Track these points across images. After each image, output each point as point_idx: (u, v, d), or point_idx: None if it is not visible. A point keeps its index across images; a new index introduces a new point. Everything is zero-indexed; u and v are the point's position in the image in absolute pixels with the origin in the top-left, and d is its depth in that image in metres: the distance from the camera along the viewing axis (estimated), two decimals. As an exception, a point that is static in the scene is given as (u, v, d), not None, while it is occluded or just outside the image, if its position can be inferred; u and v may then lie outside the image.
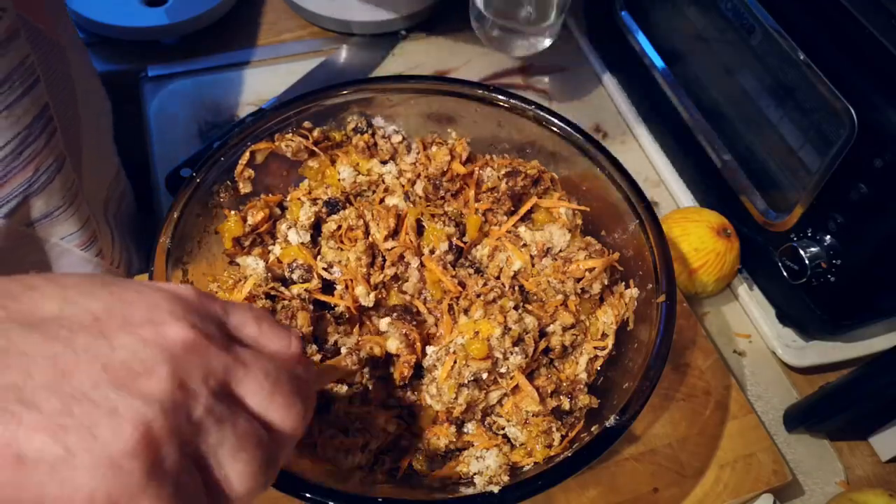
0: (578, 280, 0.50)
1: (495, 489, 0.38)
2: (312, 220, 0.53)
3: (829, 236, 0.53)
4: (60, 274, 0.32)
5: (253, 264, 0.50)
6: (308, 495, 0.37)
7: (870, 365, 0.52)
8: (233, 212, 0.51)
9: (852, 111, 0.48)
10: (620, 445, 0.53)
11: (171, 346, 0.27)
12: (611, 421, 0.40)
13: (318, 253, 0.52)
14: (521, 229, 0.54)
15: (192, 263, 0.49)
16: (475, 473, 0.44)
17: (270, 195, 0.54)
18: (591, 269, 0.50)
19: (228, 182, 0.51)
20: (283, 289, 0.50)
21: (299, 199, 0.54)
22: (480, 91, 0.55)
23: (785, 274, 0.57)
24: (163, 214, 0.48)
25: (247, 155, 0.51)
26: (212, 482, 0.28)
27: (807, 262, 0.54)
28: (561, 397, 0.47)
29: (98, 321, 0.26)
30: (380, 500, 0.37)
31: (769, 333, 0.62)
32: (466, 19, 0.66)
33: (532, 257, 0.52)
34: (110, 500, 0.24)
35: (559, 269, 0.51)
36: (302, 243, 0.52)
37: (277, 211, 0.54)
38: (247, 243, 0.52)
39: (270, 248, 0.53)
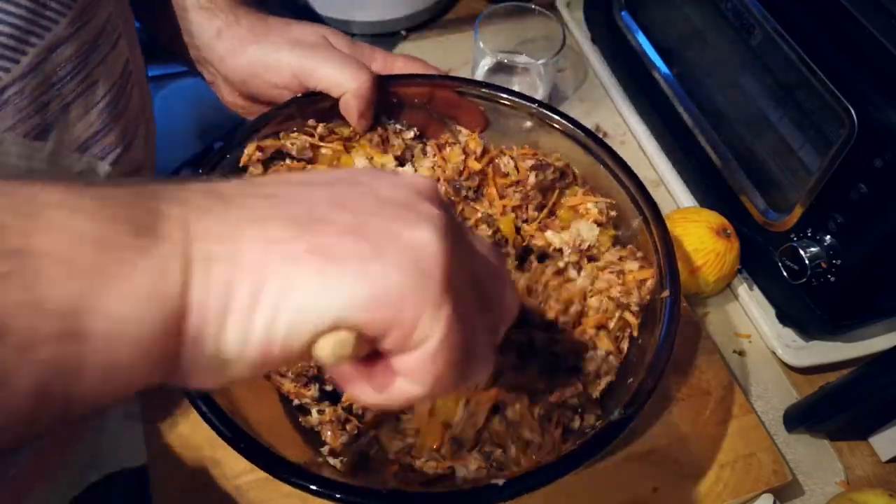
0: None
1: (500, 482, 0.38)
2: None
3: (829, 236, 0.53)
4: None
5: None
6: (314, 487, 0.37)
7: (870, 365, 0.52)
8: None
9: (852, 111, 0.48)
10: (620, 445, 0.53)
11: (426, 187, 0.28)
12: (615, 415, 0.40)
13: None
14: (549, 233, 0.53)
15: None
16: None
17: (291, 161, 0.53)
18: (644, 280, 0.48)
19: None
20: None
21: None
22: (483, 89, 0.55)
23: (785, 274, 0.57)
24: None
25: (253, 146, 0.51)
26: (487, 302, 0.28)
27: (807, 262, 0.54)
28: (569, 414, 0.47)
29: (347, 178, 0.27)
30: (383, 491, 0.37)
31: (769, 333, 0.62)
32: (466, 19, 0.66)
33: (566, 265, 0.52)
34: (417, 301, 0.24)
35: (614, 281, 0.49)
36: None
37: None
38: None
39: None
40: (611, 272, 0.49)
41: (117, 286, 0.21)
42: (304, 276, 0.23)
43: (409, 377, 0.26)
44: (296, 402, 0.47)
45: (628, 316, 0.48)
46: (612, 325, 0.48)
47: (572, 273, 0.50)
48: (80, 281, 0.21)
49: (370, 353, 0.26)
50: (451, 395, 0.44)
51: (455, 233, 0.27)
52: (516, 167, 0.54)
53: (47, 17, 0.40)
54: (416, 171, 0.55)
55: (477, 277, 0.28)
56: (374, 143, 0.54)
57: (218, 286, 0.23)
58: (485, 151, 0.55)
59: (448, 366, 0.25)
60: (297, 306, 0.23)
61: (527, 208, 0.54)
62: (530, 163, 0.53)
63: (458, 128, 0.56)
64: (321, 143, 0.53)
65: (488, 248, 0.30)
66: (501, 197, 0.54)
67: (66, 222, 0.21)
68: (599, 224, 0.53)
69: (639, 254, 0.50)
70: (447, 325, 0.24)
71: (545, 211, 0.54)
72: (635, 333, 0.48)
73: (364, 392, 0.27)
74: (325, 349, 0.23)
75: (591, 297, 0.49)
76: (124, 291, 0.21)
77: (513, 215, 0.53)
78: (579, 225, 0.53)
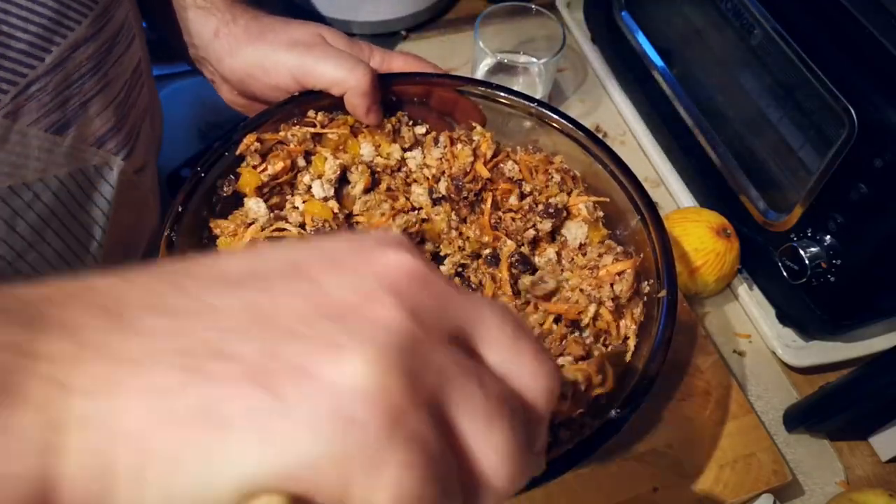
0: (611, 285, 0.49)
1: None
2: (338, 174, 0.52)
3: (829, 236, 0.53)
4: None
5: (255, 207, 0.49)
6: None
7: (870, 365, 0.52)
8: (245, 167, 0.51)
9: (852, 111, 0.48)
10: (620, 445, 0.53)
11: (392, 275, 0.21)
12: (612, 413, 0.40)
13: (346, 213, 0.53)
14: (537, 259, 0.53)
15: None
16: None
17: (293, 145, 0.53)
18: (620, 273, 0.48)
19: (231, 176, 0.51)
20: (287, 225, 0.49)
21: (323, 153, 0.53)
22: (482, 88, 0.55)
23: (785, 274, 0.57)
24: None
25: (253, 136, 0.51)
26: (463, 459, 0.20)
27: (807, 262, 0.54)
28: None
29: (298, 267, 0.21)
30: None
31: (769, 333, 0.62)
32: (466, 19, 0.66)
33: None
34: (340, 466, 0.18)
35: (588, 276, 0.49)
36: (325, 198, 0.52)
37: (302, 163, 0.53)
38: (265, 191, 0.51)
39: (289, 198, 0.52)
40: (587, 268, 0.50)
41: None
42: (190, 446, 0.18)
43: None
44: None
45: (604, 311, 0.48)
46: (585, 319, 0.48)
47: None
48: None
49: None
50: None
51: (424, 329, 0.20)
52: (520, 171, 0.54)
53: (71, 17, 0.41)
54: (424, 158, 0.55)
55: (478, 369, 0.21)
56: (385, 131, 0.54)
57: (95, 459, 0.18)
58: (495, 154, 0.55)
59: None
60: (187, 481, 0.18)
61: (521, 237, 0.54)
62: (540, 207, 0.53)
63: (474, 125, 0.56)
64: (324, 131, 0.53)
65: (497, 310, 0.23)
66: (504, 210, 0.54)
67: None
68: (587, 222, 0.53)
69: (618, 248, 0.51)
70: (397, 485, 0.18)
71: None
72: (613, 332, 0.48)
73: None
74: None
75: (565, 292, 0.49)
76: None
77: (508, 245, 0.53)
78: (570, 225, 0.53)
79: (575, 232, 0.52)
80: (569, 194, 0.54)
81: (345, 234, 0.22)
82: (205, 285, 0.21)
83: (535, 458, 0.23)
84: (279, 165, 0.51)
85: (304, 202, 0.51)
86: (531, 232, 0.52)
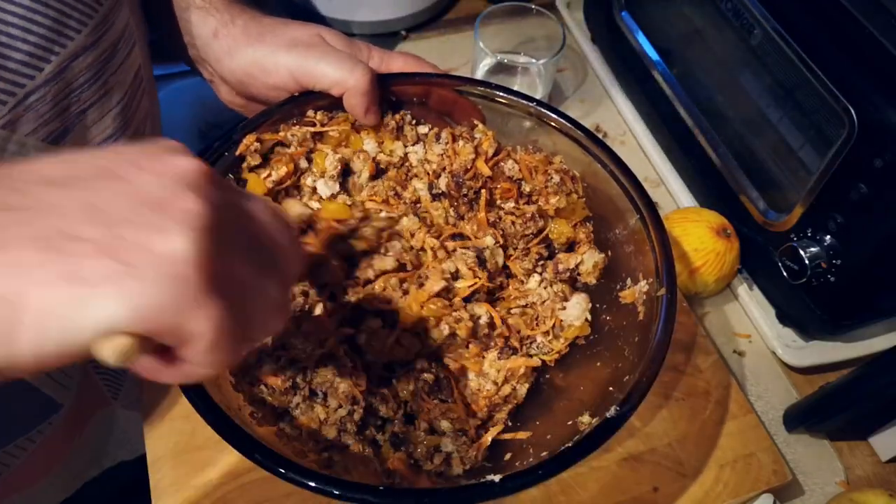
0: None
1: (496, 478, 0.38)
2: (340, 169, 0.52)
3: (829, 236, 0.53)
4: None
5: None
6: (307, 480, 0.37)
7: (870, 365, 0.52)
8: (251, 173, 0.51)
9: (852, 111, 0.48)
10: (620, 445, 0.53)
11: (186, 174, 0.28)
12: (611, 412, 0.40)
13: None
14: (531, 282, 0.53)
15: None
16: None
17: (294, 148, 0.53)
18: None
19: (231, 176, 0.51)
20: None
21: (323, 150, 0.53)
22: (482, 88, 0.55)
23: (785, 274, 0.57)
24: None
25: (252, 136, 0.50)
26: (250, 300, 0.29)
27: (807, 262, 0.54)
28: None
29: (107, 170, 0.27)
30: (380, 487, 0.37)
31: (769, 333, 0.62)
32: (466, 19, 0.66)
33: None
34: (175, 309, 0.25)
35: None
36: (333, 194, 0.52)
37: (304, 164, 0.53)
38: (271, 197, 0.51)
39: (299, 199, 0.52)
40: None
41: None
42: (58, 301, 0.24)
43: (195, 363, 0.27)
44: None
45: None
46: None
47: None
48: None
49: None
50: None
51: (218, 218, 0.27)
52: (520, 171, 0.54)
53: (70, 26, 0.41)
54: (426, 154, 0.55)
55: (255, 243, 0.30)
56: (389, 128, 0.54)
57: None
58: (496, 152, 0.55)
59: (228, 347, 0.27)
60: (57, 327, 0.24)
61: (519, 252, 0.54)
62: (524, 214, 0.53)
63: (476, 122, 0.56)
64: (324, 129, 0.53)
65: (265, 210, 0.32)
66: (499, 208, 0.54)
67: None
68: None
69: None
70: (213, 321, 0.26)
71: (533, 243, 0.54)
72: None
73: (161, 377, 0.28)
74: (106, 353, 0.25)
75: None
76: None
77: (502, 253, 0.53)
78: (571, 302, 0.52)
79: (588, 260, 0.52)
80: (569, 194, 0.54)
81: (137, 143, 0.30)
82: (33, 185, 0.26)
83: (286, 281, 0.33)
84: (283, 170, 0.51)
85: (319, 206, 0.52)
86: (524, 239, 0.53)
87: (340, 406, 0.45)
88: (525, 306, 0.51)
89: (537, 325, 0.50)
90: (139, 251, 0.25)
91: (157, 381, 0.29)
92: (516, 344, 0.49)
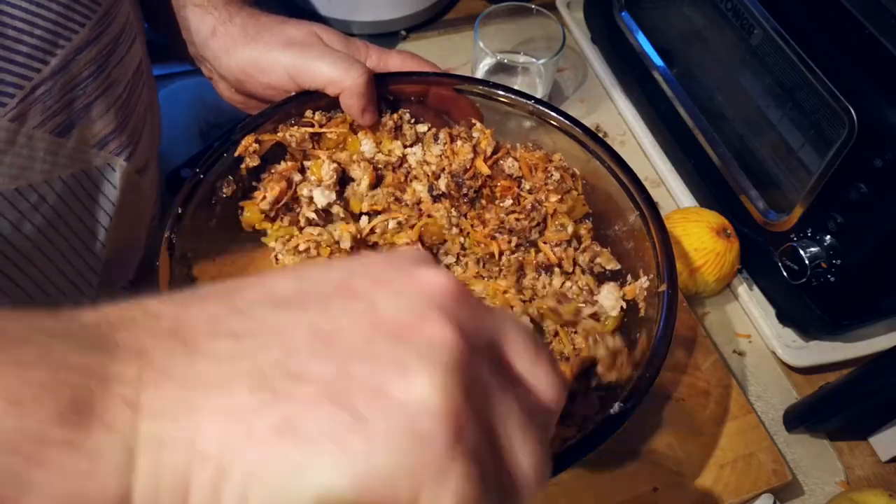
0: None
1: None
2: (336, 177, 0.52)
3: (829, 236, 0.53)
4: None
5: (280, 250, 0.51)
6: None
7: (870, 365, 0.52)
8: (247, 201, 0.51)
9: (852, 111, 0.48)
10: (620, 445, 0.53)
11: (434, 291, 0.22)
12: (614, 408, 0.40)
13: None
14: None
15: (198, 259, 0.48)
16: None
17: (285, 163, 0.53)
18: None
19: (231, 177, 0.51)
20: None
21: (318, 157, 0.53)
22: (481, 87, 0.55)
23: (785, 274, 0.57)
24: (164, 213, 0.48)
25: (251, 137, 0.50)
26: (503, 463, 0.22)
27: (807, 262, 0.54)
28: None
29: (344, 286, 0.22)
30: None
31: (769, 333, 0.62)
32: (466, 19, 0.66)
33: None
34: (412, 477, 0.19)
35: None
36: (329, 203, 0.52)
37: (297, 177, 0.53)
38: (272, 215, 0.52)
39: (299, 211, 0.52)
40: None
41: (33, 496, 0.17)
42: (271, 462, 0.19)
43: None
44: None
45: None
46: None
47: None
48: None
49: None
50: None
51: (470, 351, 0.22)
52: (520, 168, 0.54)
53: (74, 20, 0.41)
54: (424, 155, 0.55)
55: (511, 380, 0.24)
56: (387, 128, 0.54)
57: (171, 478, 0.19)
58: (495, 151, 0.55)
59: None
60: (265, 496, 0.19)
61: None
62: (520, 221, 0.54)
63: (474, 121, 0.56)
64: (323, 130, 0.53)
65: (519, 332, 0.25)
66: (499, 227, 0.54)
67: None
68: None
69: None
70: (458, 494, 0.20)
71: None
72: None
73: None
74: None
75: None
76: (42, 501, 0.18)
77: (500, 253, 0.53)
78: (602, 293, 0.51)
79: (606, 302, 0.51)
80: (568, 192, 0.54)
81: (374, 254, 0.24)
82: (260, 306, 0.22)
83: (549, 461, 0.25)
84: (276, 190, 0.51)
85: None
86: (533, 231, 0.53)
87: None
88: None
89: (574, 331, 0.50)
90: (372, 397, 0.20)
91: None
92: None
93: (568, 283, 0.52)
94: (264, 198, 0.51)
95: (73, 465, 0.18)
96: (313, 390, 0.20)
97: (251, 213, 0.51)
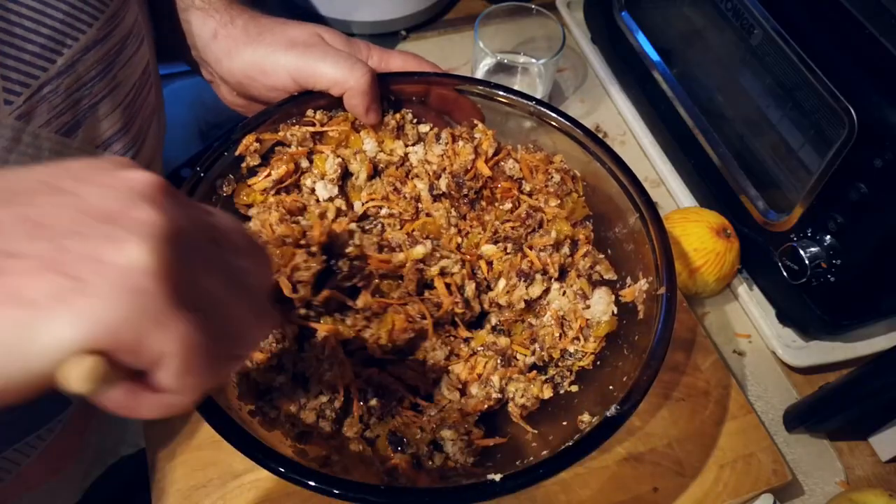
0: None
1: (496, 477, 0.38)
2: (340, 172, 0.52)
3: (829, 236, 0.53)
4: None
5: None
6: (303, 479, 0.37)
7: (870, 365, 0.52)
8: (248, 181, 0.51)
9: (852, 111, 0.48)
10: (620, 445, 0.53)
11: (141, 186, 0.25)
12: (612, 411, 0.40)
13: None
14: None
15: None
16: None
17: (295, 148, 0.53)
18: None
19: (231, 176, 0.51)
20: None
21: (322, 152, 0.53)
22: (481, 87, 0.55)
23: (785, 274, 0.57)
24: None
25: (252, 136, 0.50)
26: (226, 311, 0.26)
27: (807, 262, 0.54)
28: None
29: (50, 183, 0.24)
30: (381, 486, 0.37)
31: (769, 333, 0.62)
32: (466, 19, 0.66)
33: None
34: (136, 326, 0.22)
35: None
36: (331, 197, 0.52)
37: (304, 163, 0.53)
38: (271, 195, 0.51)
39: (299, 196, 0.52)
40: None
41: None
42: (5, 328, 0.21)
43: (172, 389, 0.25)
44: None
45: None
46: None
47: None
48: None
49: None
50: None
51: (178, 228, 0.25)
52: (521, 169, 0.54)
53: (82, 20, 0.41)
54: (426, 154, 0.55)
55: (221, 254, 0.28)
56: (389, 127, 0.54)
57: None
58: (496, 152, 0.55)
59: (204, 366, 0.24)
60: (7, 358, 0.22)
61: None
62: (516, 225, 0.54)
63: (476, 122, 0.56)
64: (324, 129, 0.53)
65: (228, 220, 0.30)
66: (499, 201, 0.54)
67: None
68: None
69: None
70: (182, 336, 0.23)
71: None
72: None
73: (138, 411, 0.25)
74: (73, 380, 0.22)
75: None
76: None
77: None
78: (594, 298, 0.51)
79: (598, 308, 0.51)
80: (568, 194, 0.54)
81: (80, 158, 0.27)
82: None
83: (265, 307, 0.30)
84: (283, 169, 0.51)
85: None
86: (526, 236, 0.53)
87: (322, 392, 0.45)
88: (541, 325, 0.51)
89: (563, 335, 0.50)
90: (89, 264, 0.22)
91: (134, 416, 0.25)
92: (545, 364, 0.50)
93: (556, 286, 0.52)
94: (269, 174, 0.51)
95: None
96: (32, 264, 0.22)
97: (248, 193, 0.51)
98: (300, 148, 0.52)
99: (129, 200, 0.24)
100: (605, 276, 0.52)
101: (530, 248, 0.52)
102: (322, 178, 0.52)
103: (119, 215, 0.23)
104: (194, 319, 0.24)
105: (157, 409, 0.25)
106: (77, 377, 0.22)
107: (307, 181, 0.52)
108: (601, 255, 0.53)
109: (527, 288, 0.51)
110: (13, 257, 0.22)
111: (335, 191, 0.52)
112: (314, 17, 0.82)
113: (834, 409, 0.55)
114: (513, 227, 0.53)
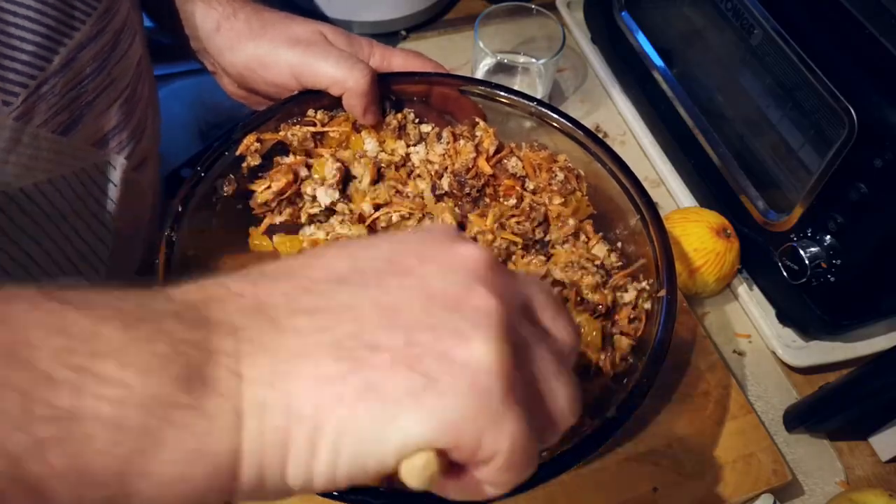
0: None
1: None
2: (340, 176, 0.52)
3: (829, 236, 0.53)
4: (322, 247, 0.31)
5: (309, 230, 0.51)
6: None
7: (870, 365, 0.52)
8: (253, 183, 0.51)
9: (852, 111, 0.48)
10: (620, 445, 0.53)
11: (473, 265, 0.26)
12: (612, 412, 0.40)
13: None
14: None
15: (197, 258, 0.49)
16: None
17: (292, 157, 0.53)
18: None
19: (231, 175, 0.51)
20: (343, 229, 0.51)
21: (322, 156, 0.53)
22: (482, 87, 0.55)
23: (785, 274, 0.57)
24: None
25: (252, 136, 0.51)
26: (544, 403, 0.26)
27: (807, 262, 0.54)
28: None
29: (394, 263, 0.26)
30: (381, 489, 0.37)
31: (769, 333, 0.62)
32: (466, 19, 0.66)
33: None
34: (476, 424, 0.23)
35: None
36: (333, 202, 0.52)
37: (303, 171, 0.53)
38: (273, 205, 0.52)
39: (301, 206, 0.52)
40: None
41: (165, 450, 0.21)
42: (359, 420, 0.23)
43: (489, 482, 0.25)
44: None
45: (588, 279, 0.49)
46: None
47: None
48: (127, 446, 0.21)
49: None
50: None
51: (509, 314, 0.25)
52: (524, 168, 0.54)
53: (76, 17, 0.41)
54: (427, 154, 0.55)
55: (542, 337, 0.27)
56: (391, 127, 0.54)
57: (273, 436, 0.23)
58: (498, 150, 0.55)
59: (525, 462, 0.25)
60: (355, 448, 0.23)
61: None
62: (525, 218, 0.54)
63: (477, 120, 0.56)
64: (325, 129, 0.53)
65: (540, 290, 0.29)
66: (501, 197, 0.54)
67: (116, 375, 0.21)
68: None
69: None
70: (513, 435, 0.24)
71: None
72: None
73: (452, 494, 0.26)
74: (413, 474, 0.23)
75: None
76: (173, 455, 0.21)
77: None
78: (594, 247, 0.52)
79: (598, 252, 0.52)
80: (572, 193, 0.54)
81: (409, 232, 0.29)
82: (325, 284, 0.25)
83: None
84: (283, 181, 0.51)
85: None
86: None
87: None
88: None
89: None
90: (439, 361, 0.23)
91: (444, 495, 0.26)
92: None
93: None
94: (269, 187, 0.51)
95: (196, 425, 0.22)
96: (388, 357, 0.23)
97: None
98: (297, 157, 0.52)
99: (466, 284, 0.25)
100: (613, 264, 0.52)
101: (553, 246, 0.53)
102: (322, 184, 0.52)
103: (460, 303, 0.25)
104: (524, 415, 0.24)
105: (466, 496, 0.26)
106: (416, 474, 0.23)
107: (307, 189, 0.52)
108: (607, 247, 0.52)
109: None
110: (373, 349, 0.23)
111: (336, 195, 0.52)
112: (315, 15, 0.82)
113: (834, 409, 0.55)
114: (518, 222, 0.53)
